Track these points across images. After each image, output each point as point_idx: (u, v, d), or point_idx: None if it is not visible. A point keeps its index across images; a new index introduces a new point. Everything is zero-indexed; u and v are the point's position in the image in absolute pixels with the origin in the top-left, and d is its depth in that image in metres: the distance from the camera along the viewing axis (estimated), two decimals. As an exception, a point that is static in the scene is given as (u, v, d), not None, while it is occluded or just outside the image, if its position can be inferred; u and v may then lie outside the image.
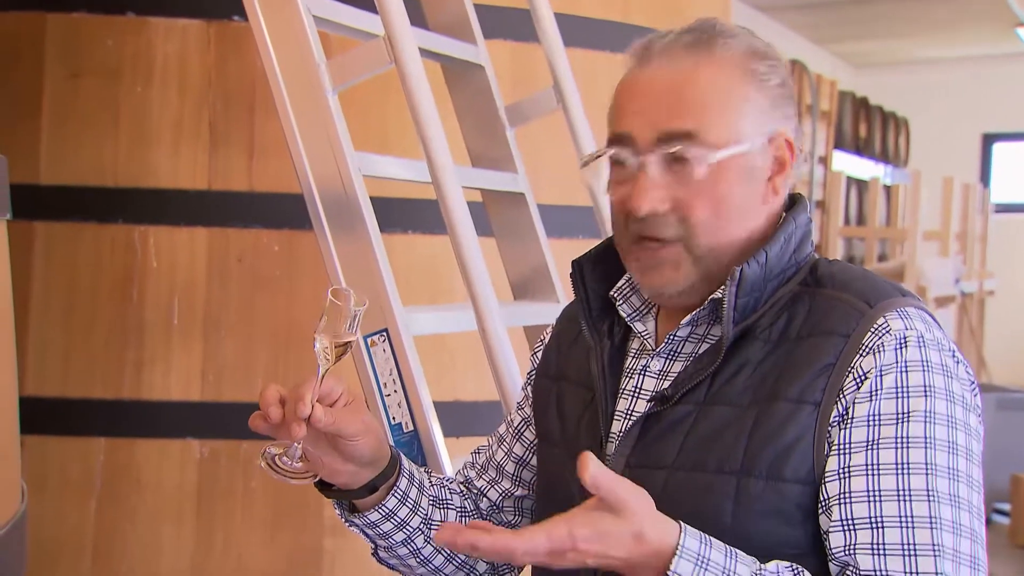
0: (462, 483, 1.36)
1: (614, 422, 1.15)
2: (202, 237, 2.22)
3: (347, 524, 1.26)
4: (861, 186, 8.83)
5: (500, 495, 1.33)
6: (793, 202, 1.17)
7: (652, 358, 1.16)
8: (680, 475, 1.07)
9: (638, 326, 1.18)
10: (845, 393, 1.04)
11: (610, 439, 1.15)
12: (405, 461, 1.26)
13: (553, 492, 1.23)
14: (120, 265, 2.20)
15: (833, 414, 1.04)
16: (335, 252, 1.61)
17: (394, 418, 1.59)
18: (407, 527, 1.25)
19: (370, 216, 1.61)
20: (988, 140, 10.74)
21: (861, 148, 8.98)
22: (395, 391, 1.59)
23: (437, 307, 1.80)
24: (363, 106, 2.20)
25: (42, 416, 2.19)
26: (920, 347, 1.05)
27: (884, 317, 1.06)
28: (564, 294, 2.01)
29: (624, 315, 1.18)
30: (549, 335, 1.32)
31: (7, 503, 1.35)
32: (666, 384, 1.13)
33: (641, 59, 1.12)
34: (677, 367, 1.14)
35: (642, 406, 1.13)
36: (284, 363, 2.25)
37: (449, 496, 1.31)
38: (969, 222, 8.59)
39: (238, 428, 2.26)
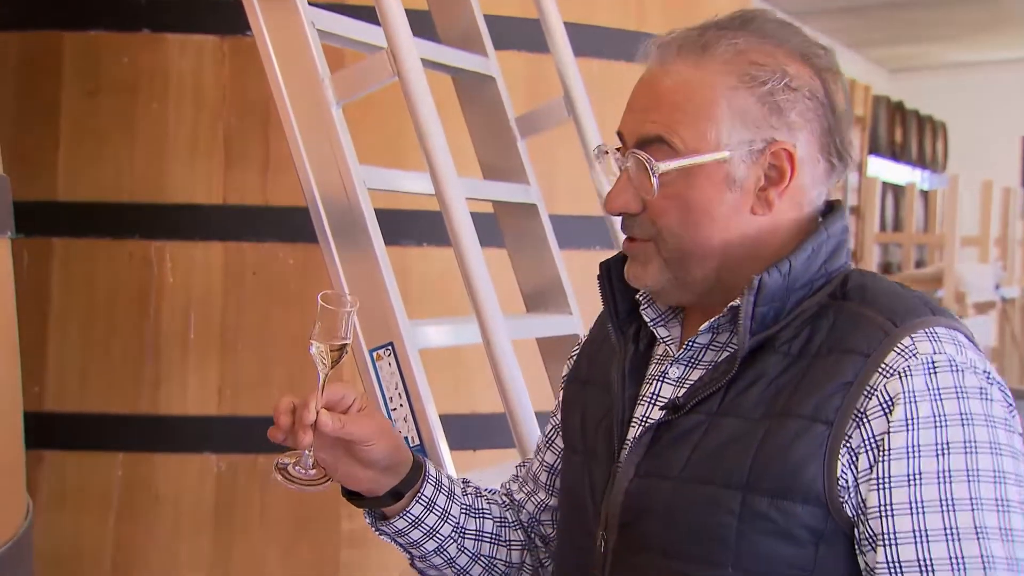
0: (505, 495, 1.35)
1: (630, 428, 1.14)
2: (217, 251, 2.23)
3: (377, 533, 1.26)
4: (897, 191, 8.74)
5: (536, 507, 1.31)
6: (830, 210, 1.13)
7: (671, 364, 1.14)
8: (686, 487, 1.05)
9: (661, 331, 1.16)
10: (869, 417, 1.00)
11: (625, 446, 1.13)
12: (431, 468, 1.25)
13: (571, 502, 1.21)
14: (136, 280, 2.22)
15: (855, 437, 1.00)
16: (340, 266, 1.61)
17: (400, 432, 1.58)
18: (437, 535, 1.24)
19: (375, 229, 1.60)
20: (1028, 143, 10.57)
21: (897, 153, 8.90)
22: (401, 405, 1.58)
23: (443, 320, 1.80)
24: (381, 116, 2.20)
25: (61, 431, 2.20)
26: (952, 371, 1.00)
27: (911, 338, 1.02)
28: (578, 306, 1.99)
29: (648, 319, 1.16)
30: (583, 341, 1.30)
31: (12, 518, 1.35)
32: (682, 392, 1.11)
33: (648, 56, 1.12)
34: (696, 375, 1.12)
35: (657, 413, 1.11)
36: (300, 376, 2.25)
37: (486, 506, 1.29)
38: (1009, 227, 8.45)
39: (255, 442, 2.29)
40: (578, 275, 2.31)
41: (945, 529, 0.97)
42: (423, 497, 1.22)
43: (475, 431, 2.27)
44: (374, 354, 1.60)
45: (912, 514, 0.97)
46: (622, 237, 2.01)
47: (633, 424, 1.14)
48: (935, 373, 1.00)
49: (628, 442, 1.13)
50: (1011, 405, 1.04)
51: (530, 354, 2.09)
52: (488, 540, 1.28)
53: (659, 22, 2.60)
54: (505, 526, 1.30)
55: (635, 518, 1.08)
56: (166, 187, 2.23)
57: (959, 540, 0.96)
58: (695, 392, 1.08)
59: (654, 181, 1.06)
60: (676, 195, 1.07)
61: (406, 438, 1.59)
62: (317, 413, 1.12)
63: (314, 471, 1.15)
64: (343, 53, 2.01)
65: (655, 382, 1.14)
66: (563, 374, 1.31)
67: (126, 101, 2.22)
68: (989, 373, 1.03)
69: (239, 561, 2.22)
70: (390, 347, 1.59)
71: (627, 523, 1.09)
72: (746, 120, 1.06)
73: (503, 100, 2.02)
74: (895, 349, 1.01)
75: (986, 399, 1.00)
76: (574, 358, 1.30)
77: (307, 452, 1.15)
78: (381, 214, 2.28)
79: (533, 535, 1.31)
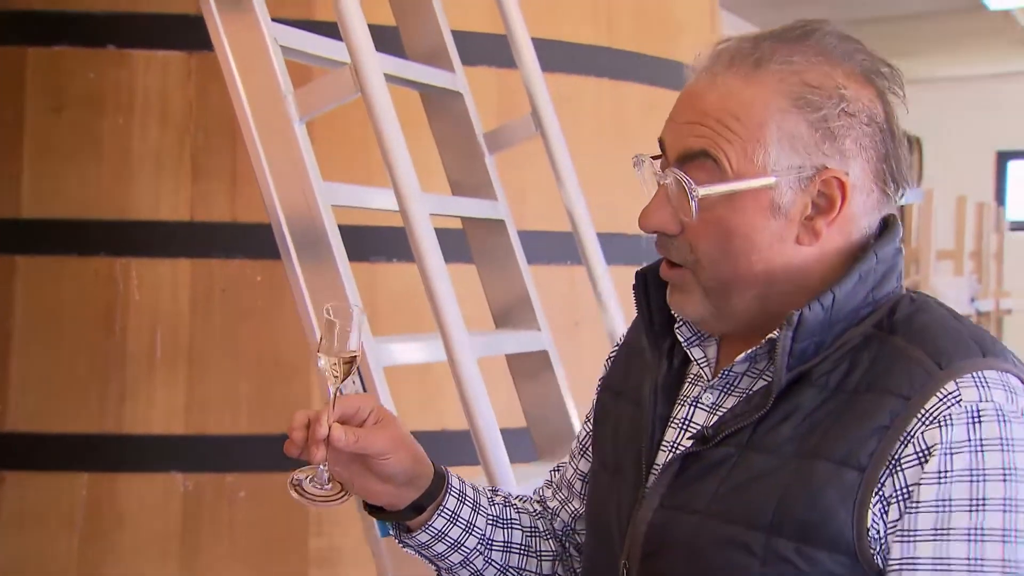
0: (538, 502, 1.31)
1: (660, 452, 1.09)
2: (185, 269, 2.21)
3: (402, 546, 1.22)
4: (873, 206, 8.77)
5: (571, 516, 1.27)
6: (884, 228, 1.05)
7: (705, 391, 1.08)
8: (710, 523, 1.00)
9: (696, 352, 1.10)
10: (903, 466, 0.93)
11: (653, 471, 1.08)
12: (455, 479, 1.21)
13: (596, 523, 1.17)
14: (102, 298, 2.19)
15: (888, 486, 0.94)
16: (303, 282, 1.60)
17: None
18: (463, 548, 1.19)
19: (338, 245, 1.59)
20: (1003, 158, 10.67)
21: (873, 168, 8.93)
22: (365, 423, 1.56)
23: (408, 337, 1.79)
24: (350, 131, 2.19)
25: (24, 451, 2.17)
26: (999, 422, 0.92)
27: (956, 383, 0.94)
28: (546, 322, 1.99)
29: (682, 339, 1.10)
30: (622, 341, 1.25)
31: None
32: (714, 421, 1.05)
33: (697, 65, 1.05)
34: (730, 402, 1.06)
35: (688, 441, 1.06)
36: (269, 395, 2.23)
37: (515, 516, 1.25)
38: (984, 240, 8.51)
39: (222, 461, 2.27)
40: (547, 291, 2.31)
41: None
42: (445, 510, 1.18)
43: (444, 448, 2.26)
44: (338, 372, 1.58)
45: (934, 570, 0.92)
46: (595, 255, 2.02)
47: (663, 448, 1.09)
48: (979, 423, 0.92)
49: (656, 467, 1.08)
50: None
51: (503, 369, 2.09)
52: (517, 551, 1.24)
53: (629, 38, 2.61)
54: (536, 536, 1.26)
55: (657, 551, 1.04)
56: (132, 204, 2.21)
57: None
58: (725, 424, 1.02)
59: (693, 205, 1.00)
60: (717, 220, 1.01)
61: (370, 457, 1.57)
62: (330, 427, 1.07)
63: (330, 486, 1.12)
64: (311, 70, 2.00)
65: (688, 406, 1.09)
66: (600, 376, 1.26)
67: (91, 117, 2.20)
68: None
69: (206, 582, 2.20)
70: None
71: (649, 555, 1.05)
72: (796, 145, 0.99)
73: (471, 116, 2.01)
74: (937, 394, 0.94)
75: None
76: (611, 361, 1.25)
77: (322, 467, 1.11)
78: (351, 230, 2.27)
79: (567, 544, 1.27)
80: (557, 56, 2.46)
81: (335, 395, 1.10)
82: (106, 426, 2.19)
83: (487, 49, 2.33)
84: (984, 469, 0.92)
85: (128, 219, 2.21)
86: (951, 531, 0.92)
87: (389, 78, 1.86)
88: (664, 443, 1.09)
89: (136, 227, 2.21)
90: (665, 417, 1.10)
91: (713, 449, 1.02)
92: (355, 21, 1.57)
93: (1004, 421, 0.93)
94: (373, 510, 1.20)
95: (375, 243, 2.28)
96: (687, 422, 1.08)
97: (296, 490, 1.12)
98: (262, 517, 2.21)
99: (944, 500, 0.92)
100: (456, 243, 2.12)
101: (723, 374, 1.07)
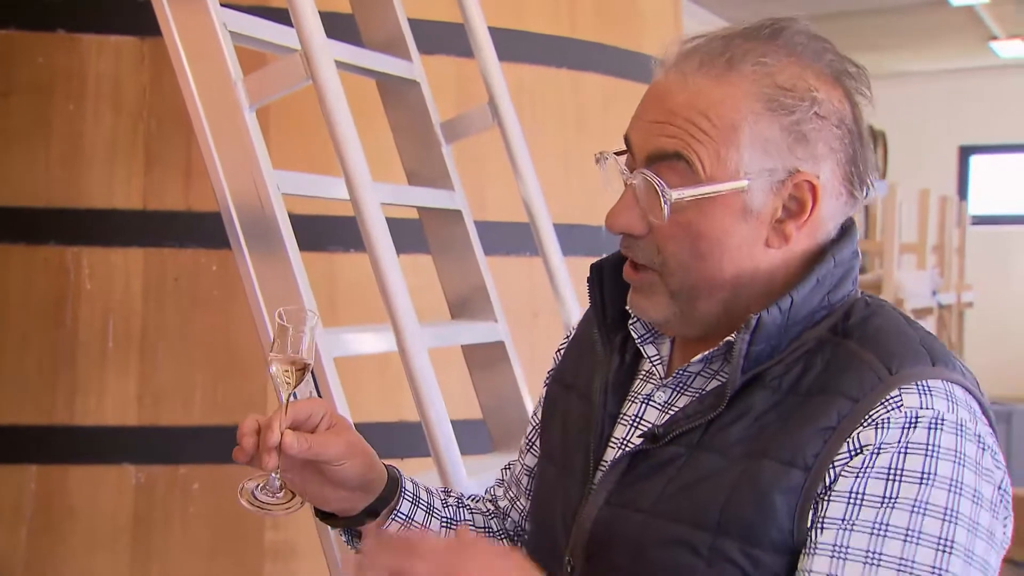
0: (490, 501, 1.29)
1: (609, 449, 1.08)
2: (137, 258, 2.17)
3: (355, 552, 1.21)
4: (838, 199, 8.82)
5: (520, 515, 1.26)
6: (842, 232, 1.04)
7: (658, 389, 1.07)
8: (656, 523, 0.99)
9: (649, 349, 1.09)
10: (835, 464, 0.94)
11: (601, 467, 1.07)
12: (408, 483, 1.19)
13: (541, 519, 1.16)
14: (53, 287, 2.15)
15: (820, 484, 0.94)
16: (253, 272, 1.57)
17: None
18: None
19: (288, 234, 1.57)
20: (965, 152, 10.77)
21: (838, 162, 8.98)
22: (316, 415, 1.54)
23: (359, 328, 1.76)
24: (309, 120, 2.16)
25: (-29, 443, 2.14)
26: (932, 429, 0.92)
27: (899, 389, 0.94)
28: (503, 313, 1.97)
29: (636, 335, 1.09)
30: (572, 333, 1.23)
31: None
32: (665, 419, 1.04)
33: (665, 60, 1.02)
34: (682, 401, 1.05)
35: (638, 439, 1.05)
36: (223, 385, 2.20)
37: (469, 517, 1.24)
38: (946, 234, 8.59)
39: (176, 453, 2.24)
40: (506, 281, 2.29)
41: None
42: (399, 514, 1.17)
43: (402, 439, 2.24)
44: (288, 363, 1.56)
45: (833, 557, 0.91)
46: (551, 246, 2.00)
47: (612, 444, 1.08)
48: (914, 427, 0.93)
49: (604, 463, 1.07)
50: (1003, 477, 0.96)
51: (460, 360, 2.07)
52: None
53: (591, 29, 2.59)
54: (489, 536, 1.25)
55: (602, 549, 1.03)
56: (83, 192, 2.17)
57: None
58: (676, 423, 1.02)
59: (665, 208, 0.98)
60: (687, 223, 0.99)
61: (321, 449, 1.55)
62: (282, 434, 1.04)
63: (281, 494, 1.09)
64: (266, 58, 1.97)
65: (639, 403, 1.08)
66: (548, 369, 1.24)
67: (41, 103, 2.16)
68: (980, 436, 0.95)
69: (158, 575, 2.17)
70: (304, 356, 1.55)
71: (594, 553, 1.04)
72: (769, 148, 0.98)
73: (428, 105, 1.99)
74: (882, 401, 0.94)
75: (959, 463, 0.92)
76: (560, 353, 1.23)
77: (274, 475, 1.08)
78: (309, 220, 2.26)
79: (520, 543, 1.26)
80: (519, 46, 2.44)
81: (287, 401, 1.08)
82: (56, 417, 2.15)
83: (446, 38, 2.30)
84: (903, 469, 0.92)
85: (79, 207, 2.17)
86: (856, 523, 0.91)
87: (344, 66, 1.83)
88: (613, 439, 1.08)
89: (88, 215, 2.17)
90: (615, 414, 1.09)
91: (663, 448, 1.01)
92: (305, 7, 1.55)
93: (936, 428, 0.93)
94: (325, 517, 1.18)
95: (333, 233, 2.25)
96: (638, 419, 1.07)
97: (247, 499, 1.09)
98: (216, 510, 2.18)
99: (857, 492, 0.92)
100: (415, 233, 2.11)
101: (677, 374, 1.06)
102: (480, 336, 1.91)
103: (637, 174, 1.01)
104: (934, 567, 0.89)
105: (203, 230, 2.19)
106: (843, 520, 0.92)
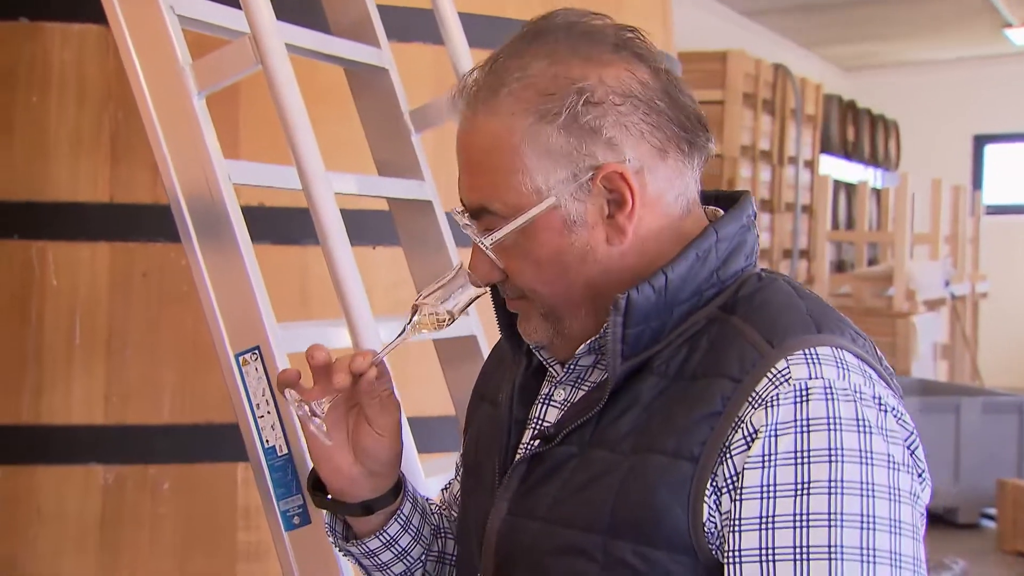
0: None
1: (517, 455, 1.04)
2: (104, 252, 2.12)
3: (342, 552, 1.17)
4: (850, 190, 8.73)
5: None
6: (732, 203, 1.01)
7: (556, 386, 1.04)
8: (550, 530, 0.95)
9: (545, 352, 1.05)
10: (733, 452, 0.88)
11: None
12: (410, 485, 1.15)
13: (460, 533, 1.12)
14: (17, 283, 2.10)
15: (720, 475, 0.89)
16: (204, 265, 1.52)
17: (267, 441, 1.49)
18: (408, 557, 1.15)
19: (240, 226, 1.51)
20: (979, 142, 10.64)
21: (849, 152, 8.88)
22: (268, 412, 1.49)
23: (313, 323, 1.71)
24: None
25: (-67, 443, 2.09)
26: (827, 400, 0.87)
27: (786, 361, 0.89)
28: (474, 306, 1.91)
29: (531, 341, 1.05)
30: (493, 348, 1.21)
31: None
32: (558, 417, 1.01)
33: (456, 104, 1.00)
34: (580, 396, 1.02)
35: (534, 440, 1.02)
36: (192, 383, 2.15)
37: (448, 526, 1.21)
38: (960, 224, 8.48)
39: (144, 452, 2.19)
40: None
41: None
42: (401, 516, 1.13)
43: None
44: (240, 359, 1.51)
45: (761, 561, 0.86)
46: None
47: (520, 450, 1.04)
48: (806, 401, 0.87)
49: (509, 471, 1.03)
50: (911, 433, 0.92)
51: (431, 354, 2.01)
52: (449, 563, 1.19)
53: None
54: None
55: (506, 561, 0.99)
56: (48, 185, 2.12)
57: None
58: (565, 421, 0.98)
59: (490, 254, 0.99)
60: (524, 255, 0.98)
61: (274, 447, 1.50)
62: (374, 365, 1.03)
63: (319, 420, 1.03)
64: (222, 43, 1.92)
65: (541, 404, 1.04)
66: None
67: (3, 94, 2.10)
68: (880, 398, 0.90)
69: (128, 577, 2.12)
70: (256, 351, 1.50)
71: (499, 565, 1.00)
72: (556, 157, 0.95)
73: (397, 93, 1.93)
74: (767, 375, 0.89)
75: (864, 432, 0.87)
76: (482, 368, 1.21)
77: (324, 400, 1.03)
78: (281, 212, 2.20)
79: None
80: (497, 34, 2.37)
81: (396, 344, 1.05)
82: (22, 417, 2.10)
83: (423, 25, 2.24)
84: (809, 450, 0.87)
85: (44, 200, 2.12)
86: (777, 518, 0.87)
87: (305, 52, 1.78)
88: (521, 445, 1.04)
89: (52, 209, 2.12)
90: (522, 419, 1.05)
91: (557, 448, 0.98)
92: (254, -12, 1.49)
93: (831, 398, 0.88)
94: (316, 490, 1.12)
95: (306, 225, 2.18)
96: (540, 421, 1.04)
97: (295, 400, 1.04)
98: (187, 510, 2.13)
99: (768, 485, 0.87)
100: (386, 224, 2.05)
101: (568, 368, 1.02)
102: (451, 330, 1.85)
103: (468, 227, 1.01)
104: (862, 547, 0.85)
105: (172, 224, 2.11)
106: (762, 519, 0.87)
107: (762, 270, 1.01)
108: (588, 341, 1.00)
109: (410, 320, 1.05)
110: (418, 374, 2.11)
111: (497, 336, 1.12)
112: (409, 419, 1.67)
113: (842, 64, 10.66)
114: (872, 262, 8.49)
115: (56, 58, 2.11)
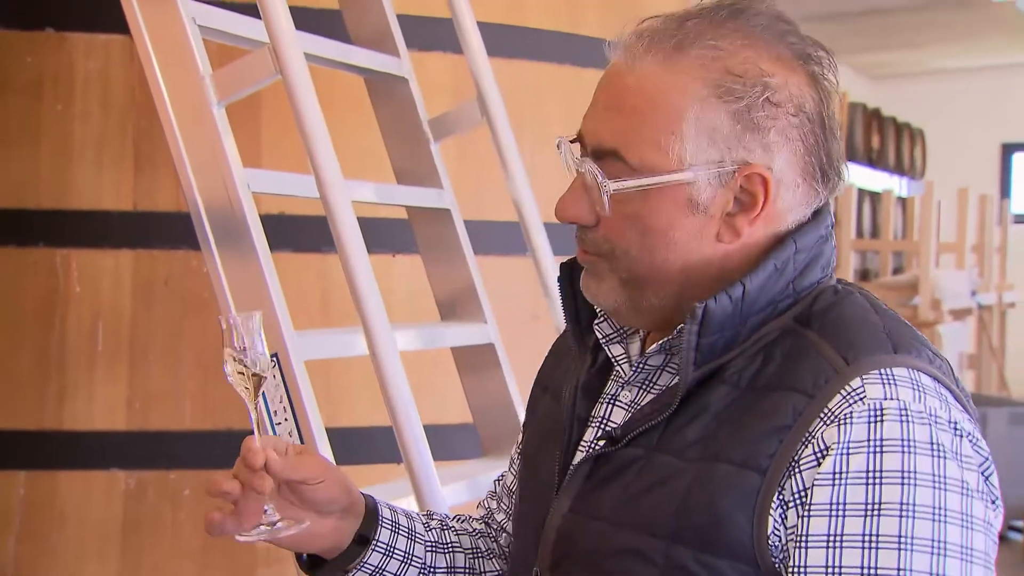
0: (484, 517, 1.24)
1: (578, 453, 1.03)
2: (127, 260, 2.14)
3: None
4: (875, 198, 8.68)
5: None
6: (812, 217, 0.99)
7: (623, 387, 1.03)
8: (613, 531, 0.95)
9: (615, 348, 1.04)
10: (802, 467, 0.88)
11: (570, 471, 1.02)
12: (385, 511, 1.13)
13: (518, 525, 1.11)
14: (41, 290, 2.13)
15: (787, 489, 0.88)
16: (223, 273, 1.53)
17: (285, 449, 1.50)
18: None
19: (259, 234, 1.53)
20: (1007, 150, 10.54)
21: (875, 160, 8.83)
22: (286, 419, 1.50)
23: (331, 331, 1.72)
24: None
25: (-42, 448, 2.12)
26: (902, 422, 0.86)
27: (861, 379, 0.89)
28: (492, 314, 1.92)
29: (600, 335, 1.05)
30: (559, 338, 1.19)
31: None
32: (626, 420, 1.00)
33: (618, 43, 0.98)
34: (648, 399, 1.01)
35: (600, 440, 1.01)
36: (214, 389, 2.16)
37: (455, 539, 1.19)
38: (987, 233, 8.40)
39: (166, 458, 2.20)
40: (507, 282, 2.24)
41: None
42: (380, 544, 1.11)
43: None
44: (258, 367, 1.52)
45: None
46: (541, 245, 1.94)
47: (581, 449, 1.03)
48: (880, 421, 0.87)
49: (573, 468, 1.02)
50: (985, 459, 0.91)
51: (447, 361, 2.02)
52: (462, 574, 1.18)
53: (594, 24, 2.53)
54: (478, 557, 1.20)
55: (564, 559, 0.99)
56: (72, 193, 2.14)
57: None
58: (633, 423, 0.97)
59: (605, 200, 0.96)
60: (633, 215, 0.96)
61: (291, 455, 1.51)
62: (264, 452, 1.00)
63: (282, 522, 1.04)
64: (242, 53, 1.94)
65: (607, 404, 1.04)
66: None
67: (29, 103, 2.13)
68: (956, 424, 0.89)
69: (149, 582, 2.14)
70: (275, 358, 1.51)
71: (556, 563, 1.00)
72: (716, 138, 0.94)
73: (416, 102, 1.94)
74: (841, 392, 0.88)
75: (939, 456, 0.86)
76: (546, 358, 1.19)
77: (268, 508, 1.03)
78: (301, 220, 2.21)
79: None
80: (519, 43, 2.39)
81: (255, 416, 1.04)
82: (45, 423, 2.12)
83: (442, 35, 2.25)
84: (881, 471, 0.86)
85: (68, 208, 2.14)
86: (844, 537, 0.86)
87: (324, 61, 1.79)
88: (583, 443, 1.03)
89: (77, 217, 2.14)
90: (584, 416, 1.04)
91: (623, 450, 0.97)
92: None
93: (907, 421, 0.87)
94: (312, 566, 1.12)
95: (326, 233, 2.20)
96: (605, 420, 1.03)
97: (251, 537, 1.03)
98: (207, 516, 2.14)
99: (838, 503, 0.86)
100: (409, 233, 2.06)
101: (637, 367, 1.01)
102: (469, 338, 1.86)
103: (584, 162, 0.98)
104: (931, 573, 0.84)
105: (194, 231, 2.14)
106: (830, 537, 0.86)
107: (838, 282, 1.00)
108: (661, 341, 0.99)
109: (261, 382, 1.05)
110: (434, 382, 2.12)
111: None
112: (426, 427, 1.69)
113: (867, 72, 10.60)
114: (897, 271, 8.43)
115: (81, 67, 2.13)
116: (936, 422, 0.88)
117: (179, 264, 2.15)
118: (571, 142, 1.00)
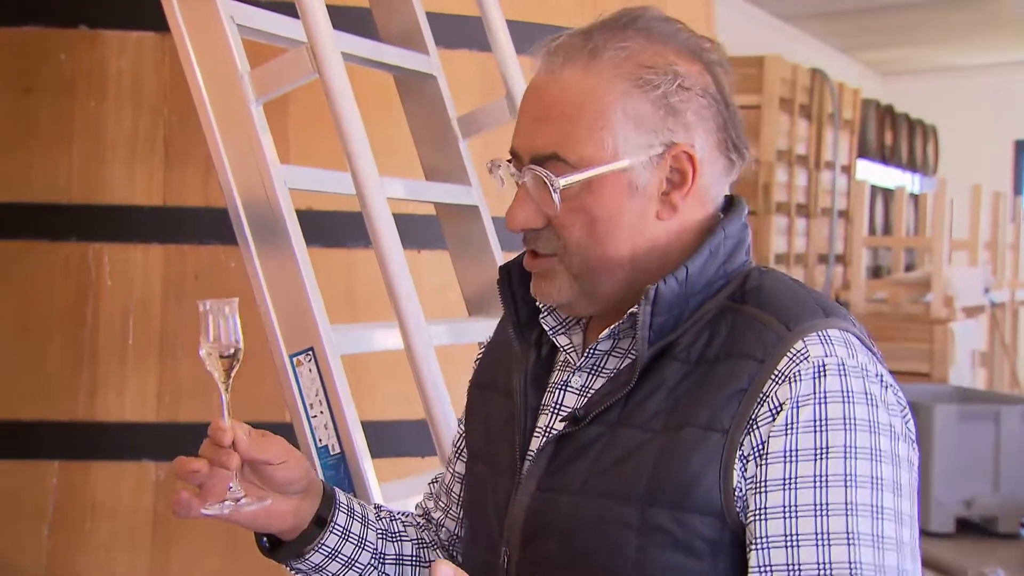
0: (422, 515, 1.31)
1: (533, 439, 1.11)
2: (157, 254, 2.17)
3: (294, 572, 1.21)
4: (887, 195, 8.68)
5: (456, 523, 1.28)
6: (729, 206, 1.11)
7: (573, 373, 1.11)
8: (585, 502, 1.03)
9: (562, 339, 1.12)
10: (759, 424, 0.98)
11: (528, 457, 1.10)
12: (342, 496, 1.22)
13: (475, 514, 1.18)
14: (74, 284, 2.16)
15: (746, 445, 0.99)
16: (259, 268, 1.56)
17: (320, 440, 1.53)
18: (356, 564, 1.21)
19: (295, 230, 1.55)
20: (1021, 147, 10.53)
21: (887, 157, 8.83)
22: (321, 412, 1.53)
23: (365, 325, 1.75)
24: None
25: (-7, 438, 2.15)
26: (840, 375, 0.99)
27: (803, 341, 1.00)
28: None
29: (547, 328, 1.12)
30: (487, 342, 1.27)
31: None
32: (584, 402, 1.08)
33: (534, 62, 1.07)
34: (599, 383, 1.09)
35: (560, 424, 1.08)
36: (242, 382, 2.15)
37: (403, 528, 1.27)
38: (1000, 230, 8.40)
39: (195, 449, 2.22)
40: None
41: (816, 534, 0.96)
42: (336, 527, 1.19)
43: (424, 438, 2.22)
44: (294, 359, 1.55)
45: (785, 518, 0.96)
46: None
47: (536, 434, 1.11)
48: (823, 376, 0.98)
49: (531, 453, 1.10)
50: (905, 407, 1.03)
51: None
52: (410, 563, 1.25)
53: (617, 21, 2.54)
54: (424, 547, 1.27)
55: (536, 535, 1.06)
56: (104, 188, 2.17)
57: (829, 545, 0.95)
58: (595, 403, 1.05)
59: (555, 197, 1.03)
60: (580, 208, 1.04)
61: (326, 446, 1.54)
62: (232, 430, 1.09)
63: (244, 500, 1.10)
64: (278, 52, 1.96)
65: (558, 391, 1.11)
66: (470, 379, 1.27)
67: (63, 100, 2.16)
68: (882, 376, 1.02)
69: (178, 571, 2.17)
70: (310, 352, 1.54)
71: (528, 540, 1.07)
72: (642, 125, 1.03)
73: (444, 99, 1.97)
74: (788, 354, 1.00)
75: (871, 404, 0.99)
76: (477, 362, 1.26)
77: (233, 484, 1.10)
78: (328, 215, 2.24)
79: (455, 552, 1.27)
80: (539, 39, 2.40)
81: (226, 399, 1.11)
82: (77, 414, 2.16)
83: (469, 32, 2.28)
84: (827, 419, 0.97)
85: (100, 204, 2.17)
86: (798, 479, 0.97)
87: (356, 59, 1.82)
88: (537, 429, 1.11)
89: (108, 212, 2.17)
90: (536, 405, 1.12)
91: (584, 429, 1.05)
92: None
93: (844, 374, 0.99)
94: (273, 548, 1.19)
95: (352, 228, 2.23)
96: (558, 406, 1.11)
97: (214, 510, 1.09)
98: (236, 507, 2.17)
99: (791, 450, 0.97)
100: (436, 229, 2.08)
101: (589, 352, 1.09)
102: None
103: (526, 171, 1.05)
104: (872, 505, 0.96)
105: (223, 227, 2.16)
106: (785, 480, 0.97)
107: (759, 265, 1.11)
108: (611, 327, 1.07)
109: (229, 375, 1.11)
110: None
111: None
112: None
113: (880, 69, 10.60)
114: (909, 268, 8.43)
115: (114, 65, 2.16)
116: (867, 375, 1.00)
117: (208, 259, 2.18)
118: (508, 161, 1.08)
